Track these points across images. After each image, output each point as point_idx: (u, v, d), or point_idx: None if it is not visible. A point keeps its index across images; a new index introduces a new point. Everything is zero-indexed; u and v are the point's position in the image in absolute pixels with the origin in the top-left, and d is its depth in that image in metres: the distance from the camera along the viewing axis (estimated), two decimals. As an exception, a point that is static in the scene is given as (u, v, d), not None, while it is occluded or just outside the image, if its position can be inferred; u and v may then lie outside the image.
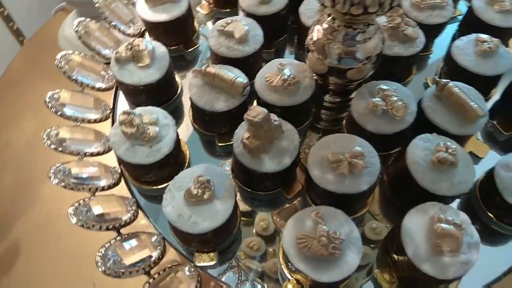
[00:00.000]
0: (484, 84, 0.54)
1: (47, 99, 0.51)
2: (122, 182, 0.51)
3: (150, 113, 0.48)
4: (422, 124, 0.49)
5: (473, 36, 0.55)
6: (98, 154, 0.51)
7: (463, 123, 0.47)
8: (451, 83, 0.49)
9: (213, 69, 0.50)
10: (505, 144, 0.54)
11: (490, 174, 0.46)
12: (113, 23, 0.60)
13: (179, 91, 0.59)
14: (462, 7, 0.66)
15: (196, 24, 0.65)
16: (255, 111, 0.43)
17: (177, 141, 0.49)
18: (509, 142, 0.54)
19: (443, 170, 0.43)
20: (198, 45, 0.64)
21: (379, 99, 0.48)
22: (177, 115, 0.58)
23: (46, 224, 0.64)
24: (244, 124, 0.46)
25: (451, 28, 0.64)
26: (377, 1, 0.40)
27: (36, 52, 0.91)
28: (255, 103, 0.54)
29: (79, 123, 0.52)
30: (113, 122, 0.56)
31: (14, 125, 0.78)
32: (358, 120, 0.49)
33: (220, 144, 0.54)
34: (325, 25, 0.48)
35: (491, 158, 0.52)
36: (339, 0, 0.41)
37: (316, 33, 0.49)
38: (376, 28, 0.47)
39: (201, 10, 0.68)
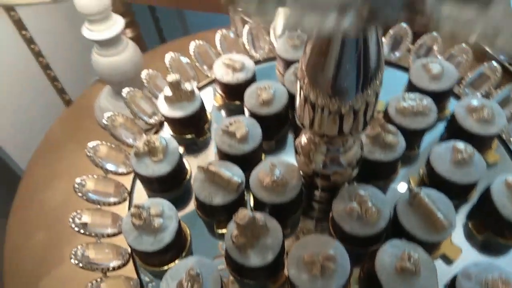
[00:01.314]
0: (461, 190, 0.59)
1: (76, 185, 0.61)
2: (131, 261, 0.59)
3: (157, 205, 0.57)
4: (397, 227, 0.55)
5: (451, 143, 0.60)
6: (113, 235, 0.60)
7: (432, 231, 0.53)
8: (422, 193, 0.54)
9: (213, 167, 0.59)
10: (481, 245, 0.58)
11: (452, 283, 0.50)
12: (138, 115, 0.71)
13: (188, 176, 0.68)
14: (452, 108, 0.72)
15: (208, 114, 0.75)
16: (242, 214, 0.51)
17: (179, 230, 0.56)
18: (485, 243, 0.58)
19: (405, 277, 0.48)
20: (208, 135, 0.73)
21: (355, 203, 0.54)
22: (186, 196, 0.66)
23: (68, 284, 0.74)
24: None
25: (442, 126, 0.70)
26: (350, 126, 0.47)
27: (75, 118, 1.04)
28: (251, 196, 0.61)
29: (100, 206, 0.62)
30: (129, 204, 0.65)
31: (50, 185, 0.90)
32: (337, 221, 0.55)
33: (217, 231, 0.61)
34: (308, 135, 0.55)
35: (466, 259, 0.56)
36: (315, 123, 0.48)
37: (303, 137, 0.57)
38: (354, 138, 0.54)
39: (215, 102, 0.77)
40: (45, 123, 1.06)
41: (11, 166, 1.22)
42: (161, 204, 0.57)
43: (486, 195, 0.57)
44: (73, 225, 0.57)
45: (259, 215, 0.52)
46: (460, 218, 0.61)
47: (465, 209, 0.62)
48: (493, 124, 0.63)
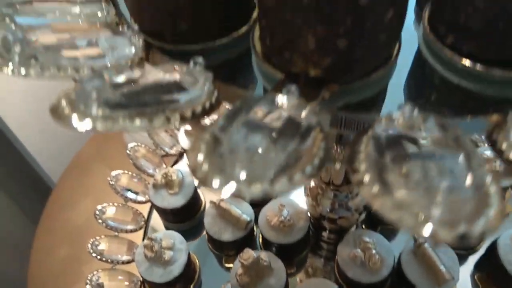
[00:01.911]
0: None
1: (97, 212, 0.65)
2: None
3: (169, 238, 0.59)
4: (400, 276, 0.55)
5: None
6: (128, 262, 0.63)
7: (434, 283, 0.53)
8: (427, 243, 0.55)
9: (224, 204, 0.61)
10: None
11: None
12: (159, 146, 0.75)
13: (202, 208, 0.71)
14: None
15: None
16: (246, 255, 0.53)
17: (188, 263, 0.59)
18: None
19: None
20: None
21: (359, 250, 0.56)
22: (199, 227, 0.69)
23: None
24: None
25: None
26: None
27: (105, 140, 1.09)
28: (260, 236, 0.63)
29: (117, 234, 0.65)
30: (145, 232, 0.69)
31: (76, 204, 0.95)
32: (341, 266, 0.56)
33: (226, 265, 0.64)
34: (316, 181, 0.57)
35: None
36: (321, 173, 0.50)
37: (313, 181, 0.58)
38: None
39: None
40: (78, 141, 1.12)
41: (43, 177, 1.28)
42: (173, 237, 0.60)
43: (493, 249, 0.57)
44: (91, 251, 0.61)
45: (264, 255, 0.54)
46: (468, 268, 0.61)
47: (473, 260, 0.61)
48: (506, 176, 0.63)
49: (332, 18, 0.24)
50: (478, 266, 0.60)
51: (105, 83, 0.22)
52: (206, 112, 0.25)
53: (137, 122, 0.22)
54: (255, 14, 0.33)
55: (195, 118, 0.24)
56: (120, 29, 0.30)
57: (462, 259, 0.61)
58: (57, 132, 1.28)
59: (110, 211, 0.66)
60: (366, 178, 0.19)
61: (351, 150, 0.22)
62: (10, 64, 0.24)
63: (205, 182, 0.18)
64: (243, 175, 0.19)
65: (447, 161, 0.19)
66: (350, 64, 0.27)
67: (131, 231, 0.67)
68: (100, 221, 0.64)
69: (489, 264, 0.59)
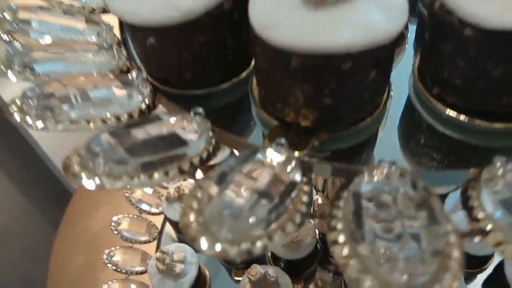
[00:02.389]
0: (477, 260, 0.59)
1: (112, 224, 0.69)
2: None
3: (180, 251, 0.62)
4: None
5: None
6: (141, 273, 0.66)
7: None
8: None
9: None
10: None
11: None
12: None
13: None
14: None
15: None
16: (254, 271, 0.56)
17: (198, 276, 0.62)
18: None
19: None
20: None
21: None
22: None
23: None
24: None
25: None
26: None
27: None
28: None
29: (132, 245, 0.69)
30: (158, 243, 0.72)
31: (94, 212, 0.99)
32: (348, 283, 0.58)
33: (235, 278, 0.66)
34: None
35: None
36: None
37: (318, 197, 0.60)
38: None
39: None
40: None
41: (63, 182, 1.34)
42: (184, 251, 0.63)
43: (499, 268, 0.58)
44: (106, 261, 0.64)
45: (271, 271, 0.57)
46: (475, 286, 0.61)
47: (481, 278, 0.62)
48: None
49: (318, 80, 0.26)
50: (486, 285, 0.61)
51: (111, 140, 0.25)
52: (204, 162, 0.28)
53: (142, 178, 0.24)
54: (253, 61, 0.35)
55: (193, 169, 0.27)
56: (130, 77, 0.33)
57: (471, 277, 0.62)
58: (78, 138, 1.33)
59: (125, 222, 0.69)
60: (340, 239, 0.22)
61: (331, 205, 0.24)
62: (28, 118, 0.27)
63: (194, 242, 0.21)
64: (228, 236, 0.21)
65: (412, 223, 0.21)
66: (336, 118, 0.29)
67: (145, 242, 0.71)
68: (115, 232, 0.68)
69: (496, 283, 0.60)
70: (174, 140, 0.27)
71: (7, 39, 0.35)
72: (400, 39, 0.32)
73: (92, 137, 0.25)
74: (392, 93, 0.32)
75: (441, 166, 0.30)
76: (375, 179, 0.25)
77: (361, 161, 0.32)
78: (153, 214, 0.74)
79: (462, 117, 0.30)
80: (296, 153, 0.29)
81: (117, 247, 0.67)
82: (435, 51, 0.30)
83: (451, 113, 0.30)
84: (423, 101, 0.32)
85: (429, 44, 0.31)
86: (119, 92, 0.31)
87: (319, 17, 0.26)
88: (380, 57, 0.26)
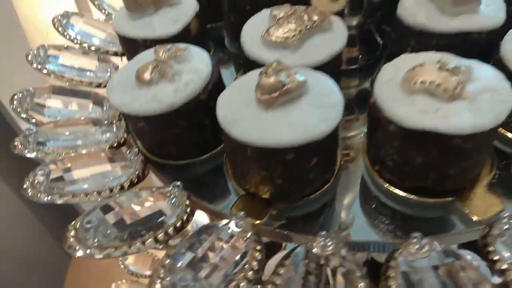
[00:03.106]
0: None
1: (120, 258, 0.75)
2: None
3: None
4: None
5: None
6: None
7: None
8: None
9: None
10: None
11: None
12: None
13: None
14: None
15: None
16: None
17: None
18: None
19: None
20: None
21: None
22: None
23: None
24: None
25: None
26: None
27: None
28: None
29: (138, 279, 0.75)
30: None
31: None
32: None
33: None
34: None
35: None
36: None
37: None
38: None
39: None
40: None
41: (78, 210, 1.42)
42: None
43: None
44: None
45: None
46: None
47: None
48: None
49: (268, 166, 0.32)
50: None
51: (100, 217, 0.31)
52: (178, 230, 0.34)
53: (124, 248, 0.31)
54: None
55: (167, 238, 0.33)
56: (124, 150, 0.40)
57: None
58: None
59: (131, 257, 0.76)
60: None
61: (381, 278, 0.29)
62: (39, 194, 0.34)
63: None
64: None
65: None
66: (288, 193, 0.35)
67: (150, 276, 0.77)
68: (122, 266, 0.74)
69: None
70: (155, 213, 0.34)
71: (25, 117, 0.42)
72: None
73: (84, 214, 0.32)
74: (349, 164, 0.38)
75: (387, 232, 0.35)
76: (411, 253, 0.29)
77: (319, 225, 0.37)
78: (157, 249, 0.79)
79: (397, 191, 0.35)
80: (256, 222, 0.35)
81: (124, 281, 0.74)
82: (373, 137, 0.35)
83: (390, 187, 0.36)
84: (369, 174, 0.37)
85: (369, 130, 0.36)
86: (114, 166, 0.38)
87: (269, 116, 0.32)
88: (320, 148, 0.32)
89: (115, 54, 0.55)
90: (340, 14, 0.44)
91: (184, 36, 0.47)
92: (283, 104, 0.32)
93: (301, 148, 0.31)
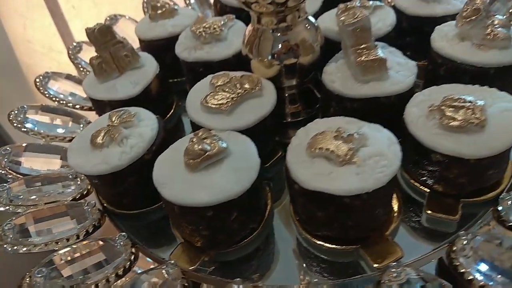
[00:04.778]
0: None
1: None
2: None
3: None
4: None
5: None
6: None
7: None
8: None
9: None
10: None
11: None
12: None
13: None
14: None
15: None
16: None
17: None
18: None
19: None
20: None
21: None
22: None
23: None
24: None
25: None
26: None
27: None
28: None
29: None
30: None
31: None
32: None
33: None
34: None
35: None
36: None
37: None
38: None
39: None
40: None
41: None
42: None
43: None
44: None
45: None
46: None
47: None
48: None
49: (194, 221, 0.38)
50: None
51: (50, 271, 0.37)
52: (120, 276, 0.39)
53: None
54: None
55: (108, 286, 0.38)
56: (83, 202, 0.46)
57: None
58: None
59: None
60: None
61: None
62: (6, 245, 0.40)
63: None
64: None
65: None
66: (216, 242, 0.40)
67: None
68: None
69: None
70: (100, 262, 0.39)
71: (4, 173, 0.49)
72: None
73: (35, 269, 0.37)
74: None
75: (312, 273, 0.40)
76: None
77: (254, 269, 0.42)
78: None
79: (314, 240, 0.40)
80: (190, 267, 0.40)
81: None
82: (290, 192, 0.41)
83: (307, 235, 0.41)
84: (294, 223, 0.43)
85: (287, 186, 0.42)
86: (72, 217, 0.44)
87: (193, 179, 0.38)
88: (237, 205, 0.38)
89: (90, 109, 0.62)
90: (278, 77, 0.51)
91: (145, 95, 0.54)
92: (206, 167, 0.38)
93: (218, 206, 0.37)
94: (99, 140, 0.43)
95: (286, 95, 0.54)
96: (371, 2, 0.55)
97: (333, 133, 0.37)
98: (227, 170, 0.38)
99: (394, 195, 0.43)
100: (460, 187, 0.40)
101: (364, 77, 0.43)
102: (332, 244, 0.40)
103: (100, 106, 0.55)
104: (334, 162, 0.36)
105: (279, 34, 0.48)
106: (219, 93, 0.45)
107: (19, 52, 1.04)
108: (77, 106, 0.62)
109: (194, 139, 0.39)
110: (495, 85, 0.45)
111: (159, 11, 0.64)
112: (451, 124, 0.37)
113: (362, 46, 0.43)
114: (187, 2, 0.80)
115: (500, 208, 0.39)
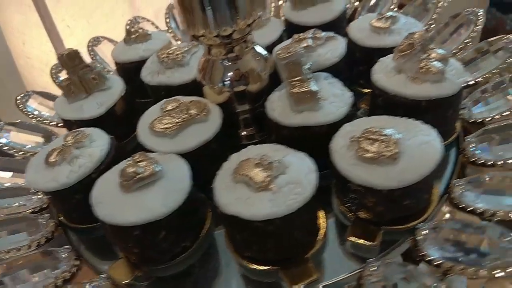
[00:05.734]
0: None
1: None
2: None
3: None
4: None
5: None
6: None
7: None
8: None
9: None
10: None
11: None
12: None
13: None
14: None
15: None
16: None
17: None
18: None
19: None
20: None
21: None
22: None
23: None
24: None
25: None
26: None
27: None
28: None
29: None
30: None
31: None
32: None
33: None
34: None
35: None
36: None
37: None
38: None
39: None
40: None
41: None
42: None
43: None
44: None
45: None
46: None
47: None
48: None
49: (123, 239, 0.41)
50: None
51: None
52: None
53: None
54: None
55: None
56: (38, 215, 0.50)
57: None
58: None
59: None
60: None
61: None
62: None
63: None
64: None
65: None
66: (149, 258, 0.43)
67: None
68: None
69: None
70: (45, 272, 0.43)
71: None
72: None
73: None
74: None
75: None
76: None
77: (189, 285, 0.45)
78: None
79: (239, 259, 0.43)
80: (123, 281, 0.43)
81: None
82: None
83: (234, 254, 0.43)
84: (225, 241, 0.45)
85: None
86: (27, 229, 0.48)
87: (126, 199, 0.41)
88: (165, 225, 0.41)
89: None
90: (230, 102, 0.54)
91: (109, 115, 0.58)
92: (139, 188, 0.41)
93: (145, 226, 0.40)
94: (52, 158, 0.47)
95: (241, 118, 0.57)
96: (323, 33, 0.57)
97: (256, 160, 0.40)
98: (158, 191, 0.41)
99: (323, 219, 0.45)
100: (379, 215, 0.42)
101: (298, 107, 0.46)
102: (255, 265, 0.42)
103: (69, 125, 0.59)
104: (252, 188, 0.39)
105: (228, 64, 0.51)
106: (166, 118, 0.49)
107: (20, 67, 1.10)
108: (52, 124, 0.66)
109: (130, 162, 0.42)
110: (427, 117, 0.47)
111: (133, 36, 0.68)
112: (365, 155, 0.40)
113: (296, 79, 0.46)
114: (168, 25, 0.84)
115: (417, 238, 0.41)
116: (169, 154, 0.46)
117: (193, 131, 0.48)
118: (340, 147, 0.43)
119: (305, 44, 0.55)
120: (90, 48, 0.78)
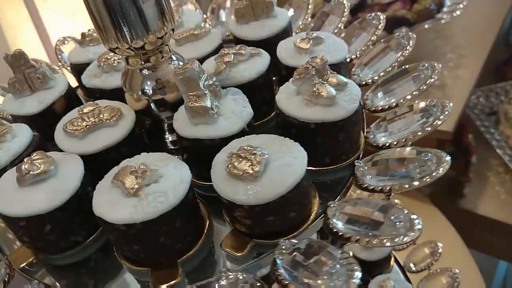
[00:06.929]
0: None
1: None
2: None
3: None
4: None
5: None
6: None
7: None
8: None
9: None
10: None
11: None
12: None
13: None
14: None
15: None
16: None
17: None
18: None
19: None
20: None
21: None
22: None
23: None
24: None
25: None
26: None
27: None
28: None
29: None
30: None
31: None
32: None
33: None
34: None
35: None
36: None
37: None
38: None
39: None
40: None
41: None
42: None
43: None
44: None
45: None
46: None
47: None
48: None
49: (12, 229, 0.45)
50: None
51: None
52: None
53: None
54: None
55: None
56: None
57: None
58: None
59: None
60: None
61: None
62: None
63: None
64: None
65: None
66: (39, 249, 0.47)
67: None
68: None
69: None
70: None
71: None
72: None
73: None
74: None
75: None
76: None
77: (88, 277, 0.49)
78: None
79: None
80: (19, 265, 0.48)
81: None
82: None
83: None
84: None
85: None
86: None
87: (19, 193, 0.45)
88: (49, 219, 0.45)
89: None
90: (150, 109, 0.57)
91: (49, 112, 0.63)
92: (31, 184, 0.45)
93: (29, 218, 0.44)
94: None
95: (165, 125, 0.61)
96: (249, 49, 0.60)
97: (132, 168, 0.43)
98: (46, 188, 0.45)
99: (207, 227, 0.48)
100: (250, 228, 0.45)
101: (193, 120, 0.49)
102: (132, 265, 0.46)
103: (15, 120, 0.64)
104: (123, 193, 0.42)
105: (147, 73, 0.55)
106: (78, 120, 0.53)
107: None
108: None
109: (27, 159, 0.46)
110: (317, 139, 0.49)
111: (87, 39, 0.73)
112: (232, 171, 0.42)
113: (193, 93, 0.49)
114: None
115: (276, 254, 0.43)
116: (72, 154, 0.50)
117: (100, 135, 0.52)
118: (219, 162, 0.46)
119: (226, 59, 0.58)
120: (57, 47, 0.84)
